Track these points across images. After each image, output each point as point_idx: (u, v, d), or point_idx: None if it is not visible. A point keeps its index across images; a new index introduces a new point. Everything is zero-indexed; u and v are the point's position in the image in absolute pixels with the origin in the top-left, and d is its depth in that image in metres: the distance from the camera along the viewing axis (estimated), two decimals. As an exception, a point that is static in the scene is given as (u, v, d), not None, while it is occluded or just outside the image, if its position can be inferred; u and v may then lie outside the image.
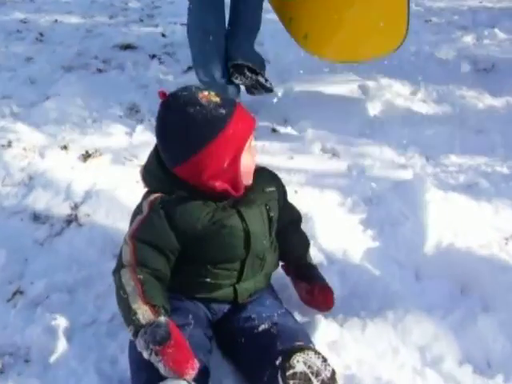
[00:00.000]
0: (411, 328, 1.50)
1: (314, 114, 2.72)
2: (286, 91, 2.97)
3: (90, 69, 3.32)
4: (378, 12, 2.47)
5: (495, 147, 2.46)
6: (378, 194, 2.13)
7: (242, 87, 2.73)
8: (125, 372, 1.35)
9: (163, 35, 3.93)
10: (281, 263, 1.62)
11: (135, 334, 1.22)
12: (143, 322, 1.22)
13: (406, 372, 1.39)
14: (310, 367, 1.19)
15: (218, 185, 1.36)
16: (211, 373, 1.30)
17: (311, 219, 1.92)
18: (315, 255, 1.74)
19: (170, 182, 1.39)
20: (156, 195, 1.39)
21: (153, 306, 1.25)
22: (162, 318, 1.23)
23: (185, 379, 1.17)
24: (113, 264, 1.39)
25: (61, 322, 1.50)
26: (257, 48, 2.77)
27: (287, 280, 1.63)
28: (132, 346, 1.27)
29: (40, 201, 2.07)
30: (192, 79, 2.73)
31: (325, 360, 1.22)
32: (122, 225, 1.71)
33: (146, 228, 1.36)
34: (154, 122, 1.55)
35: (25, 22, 4.27)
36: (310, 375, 1.19)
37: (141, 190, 1.48)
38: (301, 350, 1.22)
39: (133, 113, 2.79)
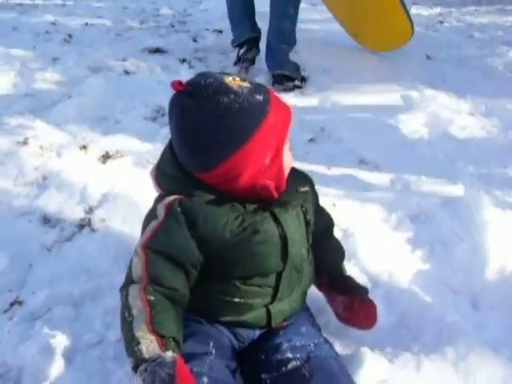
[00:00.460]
0: (475, 369, 1.26)
1: (352, 124, 2.57)
2: (323, 100, 2.80)
3: (117, 71, 3.18)
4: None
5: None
6: (426, 211, 1.92)
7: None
8: (131, 404, 1.13)
9: (194, 40, 3.80)
10: None
11: (135, 368, 1.01)
12: (146, 355, 1.00)
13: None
14: None
15: (261, 183, 1.13)
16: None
17: (352, 236, 1.71)
18: (357, 276, 1.51)
19: (189, 183, 1.16)
20: (173, 197, 1.16)
21: (160, 337, 1.03)
22: (169, 354, 1.00)
23: None
24: (126, 275, 1.18)
25: (61, 340, 1.30)
26: (292, 56, 3.05)
27: (325, 303, 1.41)
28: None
29: (52, 202, 1.89)
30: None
31: None
32: (140, 232, 1.50)
33: (161, 236, 1.13)
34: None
35: (54, 24, 4.20)
36: None
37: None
38: None
39: (158, 116, 2.63)
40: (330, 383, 1.06)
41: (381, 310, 1.41)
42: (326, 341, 1.23)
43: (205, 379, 1.05)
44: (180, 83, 1.13)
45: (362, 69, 3.13)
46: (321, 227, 1.40)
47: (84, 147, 2.25)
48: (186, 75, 3.06)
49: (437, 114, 2.67)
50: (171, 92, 1.17)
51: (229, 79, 1.13)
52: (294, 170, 1.30)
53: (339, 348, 1.30)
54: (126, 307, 1.08)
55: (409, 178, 2.14)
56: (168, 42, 3.73)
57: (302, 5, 3.09)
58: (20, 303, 1.47)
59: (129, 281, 1.14)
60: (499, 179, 2.16)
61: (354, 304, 1.33)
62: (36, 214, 1.84)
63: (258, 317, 1.20)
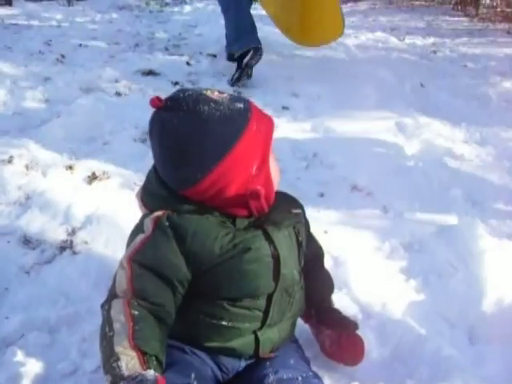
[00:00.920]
0: (473, 407, 1.19)
1: (345, 150, 2.52)
2: (315, 125, 2.77)
3: (109, 92, 3.14)
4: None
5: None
6: (420, 240, 1.88)
7: None
8: None
9: (188, 63, 3.78)
10: None
11: None
12: (125, 372, 0.92)
13: None
14: None
15: (251, 188, 1.10)
16: None
17: (343, 264, 1.66)
18: (348, 306, 1.46)
19: (176, 201, 1.12)
20: (161, 212, 1.11)
21: (142, 354, 0.96)
22: (151, 373, 0.93)
23: None
24: (105, 301, 1.11)
25: (33, 369, 1.22)
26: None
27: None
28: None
29: (34, 223, 1.82)
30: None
31: None
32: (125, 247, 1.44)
33: (149, 249, 1.07)
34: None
35: (48, 45, 4.17)
36: None
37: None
38: None
39: (148, 138, 2.57)
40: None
41: (373, 343, 1.36)
42: (316, 375, 1.16)
43: (185, 412, 0.98)
44: (159, 99, 1.11)
45: (356, 95, 3.11)
46: (311, 255, 1.35)
47: (70, 167, 2.19)
48: (178, 97, 3.04)
49: (431, 142, 2.66)
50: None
51: (207, 91, 1.12)
52: (285, 195, 1.27)
53: (329, 383, 1.23)
54: (107, 322, 1.01)
55: (402, 205, 2.09)
56: (161, 65, 3.70)
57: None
58: (-8, 329, 1.39)
59: (112, 295, 1.07)
60: (494, 208, 2.12)
61: (341, 339, 1.29)
62: (16, 234, 1.78)
63: (246, 344, 1.13)
